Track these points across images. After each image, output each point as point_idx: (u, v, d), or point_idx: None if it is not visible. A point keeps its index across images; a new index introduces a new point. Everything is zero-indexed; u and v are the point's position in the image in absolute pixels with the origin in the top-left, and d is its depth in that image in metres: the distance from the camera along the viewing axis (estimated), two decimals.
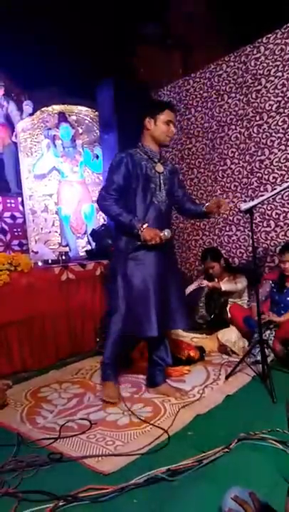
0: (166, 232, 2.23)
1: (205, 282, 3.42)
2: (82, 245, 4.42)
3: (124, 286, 2.29)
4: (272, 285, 3.11)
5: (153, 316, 2.22)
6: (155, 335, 2.24)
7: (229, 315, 3.27)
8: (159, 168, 2.36)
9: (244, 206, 2.57)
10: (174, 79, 4.35)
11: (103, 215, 4.58)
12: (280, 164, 3.46)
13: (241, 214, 3.71)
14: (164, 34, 4.43)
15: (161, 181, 2.35)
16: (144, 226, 2.19)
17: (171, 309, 2.37)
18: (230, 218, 3.88)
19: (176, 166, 2.52)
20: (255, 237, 2.94)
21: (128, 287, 2.28)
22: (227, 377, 2.63)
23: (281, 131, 3.43)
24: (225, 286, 3.33)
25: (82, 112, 4.55)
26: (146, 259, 2.28)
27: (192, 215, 2.81)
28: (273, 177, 3.52)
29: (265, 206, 3.54)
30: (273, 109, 3.47)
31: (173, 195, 2.46)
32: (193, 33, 4.31)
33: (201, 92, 4.03)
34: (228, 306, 3.32)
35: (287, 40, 3.33)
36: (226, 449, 1.72)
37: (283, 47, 3.36)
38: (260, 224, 3.60)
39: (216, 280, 3.42)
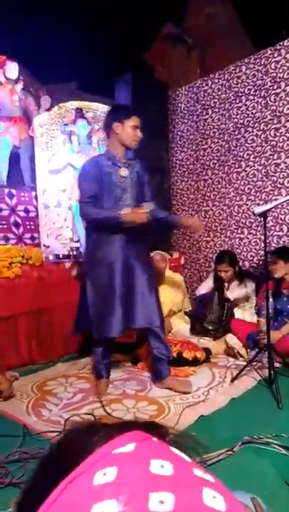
0: (146, 206, 2.28)
1: None
2: None
3: (89, 289, 2.39)
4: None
5: (113, 317, 2.29)
6: (115, 336, 2.34)
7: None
8: (124, 172, 2.38)
9: (258, 210, 2.56)
10: (191, 79, 4.35)
11: None
12: None
13: (254, 217, 3.69)
14: (183, 33, 4.41)
15: (128, 186, 2.37)
16: (123, 212, 2.24)
17: (136, 307, 2.39)
18: (243, 221, 3.87)
19: (145, 165, 2.51)
20: (267, 241, 2.92)
21: (92, 289, 2.38)
22: (232, 380, 2.62)
23: None
24: (233, 294, 3.32)
25: (99, 108, 4.55)
26: (106, 258, 2.34)
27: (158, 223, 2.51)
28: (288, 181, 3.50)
29: (278, 210, 3.52)
30: None
31: (143, 197, 2.47)
32: (212, 33, 4.29)
33: (219, 93, 4.02)
34: (231, 320, 3.31)
35: None
36: (230, 452, 1.72)
37: None
38: (273, 228, 3.58)
39: (226, 285, 3.42)
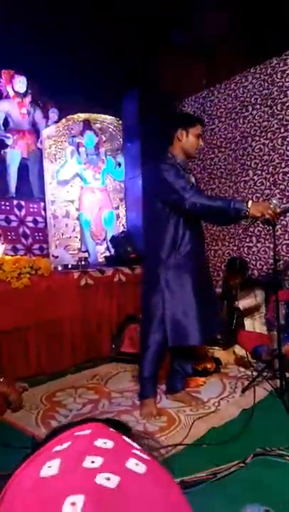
0: (275, 200, 2.14)
1: None
2: (101, 251, 4.46)
3: (167, 296, 2.26)
4: (285, 306, 3.02)
5: (197, 325, 2.22)
6: (200, 344, 2.26)
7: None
8: (192, 179, 2.40)
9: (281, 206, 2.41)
10: (197, 89, 4.38)
11: (123, 221, 4.62)
12: None
13: (262, 226, 3.67)
14: (189, 44, 4.46)
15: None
16: (250, 203, 2.07)
17: (208, 316, 2.36)
18: (251, 229, 3.85)
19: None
20: (276, 249, 2.91)
21: (171, 296, 2.26)
22: (243, 391, 2.59)
23: None
24: (243, 304, 3.29)
25: (106, 120, 4.61)
26: (188, 267, 2.27)
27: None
28: None
29: (287, 219, 3.51)
30: None
31: None
32: (218, 44, 4.33)
33: (226, 103, 4.05)
34: (240, 331, 3.27)
35: None
36: (242, 464, 1.69)
37: None
38: (282, 236, 3.56)
39: (234, 293, 3.39)
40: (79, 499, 0.27)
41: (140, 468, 0.31)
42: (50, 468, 0.30)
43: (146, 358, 2.37)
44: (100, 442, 0.33)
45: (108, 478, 0.29)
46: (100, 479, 0.29)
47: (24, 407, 2.44)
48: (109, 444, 0.33)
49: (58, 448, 0.33)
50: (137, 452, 0.34)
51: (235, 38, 3.97)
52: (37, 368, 3.05)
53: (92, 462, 0.30)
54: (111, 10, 3.93)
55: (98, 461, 0.30)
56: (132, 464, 0.31)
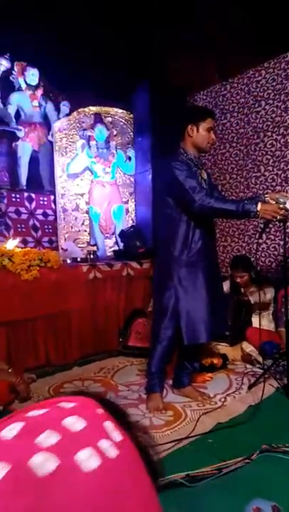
0: (281, 198, 2.06)
1: None
2: (109, 245, 4.46)
3: (180, 293, 2.26)
4: None
5: (208, 322, 2.23)
6: (208, 341, 2.27)
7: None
8: (204, 175, 2.38)
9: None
10: (209, 83, 4.34)
11: (132, 216, 4.62)
12: None
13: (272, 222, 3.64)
14: (200, 38, 4.41)
15: (207, 188, 2.34)
16: (259, 207, 2.03)
17: (218, 313, 2.37)
18: (261, 226, 3.82)
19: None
20: (286, 246, 2.88)
21: (184, 294, 2.26)
22: (250, 387, 2.59)
23: None
24: (254, 298, 3.27)
25: (117, 113, 4.60)
26: (200, 264, 2.27)
27: None
28: None
29: None
30: None
31: None
32: (229, 38, 4.28)
33: (238, 97, 4.00)
34: (248, 328, 3.26)
35: None
36: (248, 460, 1.70)
37: None
38: None
39: (243, 290, 3.38)
40: (3, 470, 0.27)
41: (96, 460, 0.29)
42: (11, 430, 0.30)
43: (157, 352, 2.38)
44: (70, 420, 0.31)
45: (45, 461, 0.28)
46: (36, 459, 0.28)
47: (32, 397, 2.47)
48: (79, 425, 0.31)
49: (33, 413, 0.33)
50: (105, 443, 0.31)
51: (248, 32, 3.91)
52: (45, 360, 3.08)
53: (47, 438, 0.29)
54: (123, 4, 3.91)
55: (52, 439, 0.29)
56: (86, 454, 0.29)
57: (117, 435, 0.32)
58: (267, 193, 2.23)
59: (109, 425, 0.33)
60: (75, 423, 0.31)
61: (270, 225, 3.71)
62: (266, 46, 3.70)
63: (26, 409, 0.34)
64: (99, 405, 0.35)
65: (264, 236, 3.79)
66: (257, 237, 3.81)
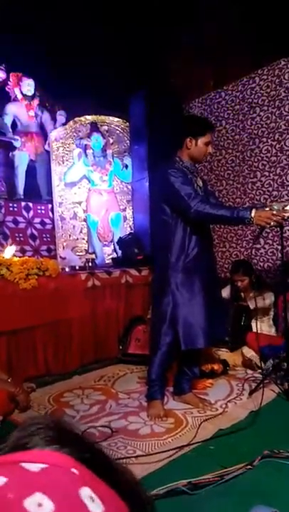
0: (276, 205, 2.11)
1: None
2: (108, 253, 4.47)
3: (177, 298, 2.27)
4: None
5: (206, 328, 2.24)
6: (206, 346, 2.28)
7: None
8: (200, 182, 2.41)
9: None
10: (204, 91, 4.38)
11: (130, 223, 4.63)
12: None
13: (270, 227, 3.65)
14: (199, 40, 4.45)
15: (202, 195, 2.37)
16: (253, 213, 2.06)
17: (216, 318, 2.37)
18: (259, 231, 3.83)
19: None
20: (284, 251, 2.89)
21: (182, 300, 2.27)
22: (251, 393, 2.57)
23: None
24: (253, 303, 3.27)
25: (113, 122, 4.63)
26: (197, 269, 2.28)
27: None
28: None
29: None
30: None
31: None
32: (226, 45, 4.33)
33: (233, 104, 4.04)
34: (248, 333, 3.25)
35: None
36: (249, 466, 1.68)
37: None
38: None
39: (243, 295, 3.38)
40: None
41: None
42: None
43: (156, 359, 2.38)
44: (32, 503, 0.24)
45: None
46: None
47: (32, 407, 2.45)
48: (47, 505, 0.24)
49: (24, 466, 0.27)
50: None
51: (244, 40, 3.96)
52: (44, 369, 3.06)
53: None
54: (118, 12, 3.95)
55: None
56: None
57: (97, 507, 0.26)
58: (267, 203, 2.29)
59: (86, 493, 0.26)
60: (39, 507, 0.24)
61: (268, 230, 3.72)
62: (266, 47, 3.72)
63: (16, 457, 0.28)
64: (72, 461, 0.28)
65: (262, 241, 3.81)
66: (253, 242, 3.82)
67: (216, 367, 2.91)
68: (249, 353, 3.09)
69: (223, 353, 3.25)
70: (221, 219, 2.24)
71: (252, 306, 3.25)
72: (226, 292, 3.52)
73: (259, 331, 3.25)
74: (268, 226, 2.14)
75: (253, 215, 2.06)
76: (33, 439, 0.30)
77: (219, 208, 2.26)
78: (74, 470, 0.27)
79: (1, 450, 0.30)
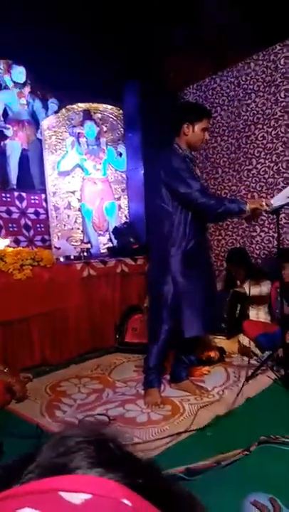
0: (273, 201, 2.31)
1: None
2: (103, 242, 4.44)
3: (178, 288, 2.27)
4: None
5: (203, 316, 2.26)
6: (202, 334, 2.32)
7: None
8: (197, 171, 2.41)
9: (276, 203, 2.38)
10: (200, 77, 4.31)
11: (125, 212, 4.60)
12: None
13: (266, 214, 3.64)
14: (192, 33, 4.38)
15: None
16: (247, 206, 2.20)
17: (212, 307, 2.40)
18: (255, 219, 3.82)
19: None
20: (280, 238, 2.88)
21: (182, 288, 2.26)
22: (248, 380, 2.58)
23: None
24: (252, 292, 3.27)
25: (107, 110, 4.56)
26: (196, 257, 2.29)
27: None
28: None
29: None
30: None
31: None
32: (221, 31, 4.25)
33: (228, 90, 3.99)
34: (244, 321, 3.26)
35: None
36: (246, 452, 1.69)
37: None
38: (286, 225, 3.53)
39: (239, 283, 3.38)
40: None
41: None
42: None
43: (154, 347, 2.39)
44: None
45: None
46: None
47: (29, 397, 2.44)
48: None
49: None
50: None
51: (239, 25, 3.89)
52: (41, 359, 3.06)
53: None
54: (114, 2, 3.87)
55: None
56: None
57: None
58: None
59: None
60: None
61: (264, 217, 3.71)
62: (259, 38, 3.66)
63: (21, 492, 0.22)
64: (123, 489, 0.23)
65: (258, 229, 3.79)
66: (249, 228, 3.82)
67: (212, 354, 2.92)
68: (244, 340, 3.10)
69: (220, 341, 3.26)
70: (226, 212, 2.25)
71: (248, 293, 3.25)
72: (221, 281, 3.52)
73: (256, 319, 3.27)
74: (256, 210, 2.25)
75: (248, 207, 2.20)
76: (74, 459, 0.24)
77: (221, 201, 2.31)
78: (126, 501, 0.22)
79: (32, 472, 0.23)
